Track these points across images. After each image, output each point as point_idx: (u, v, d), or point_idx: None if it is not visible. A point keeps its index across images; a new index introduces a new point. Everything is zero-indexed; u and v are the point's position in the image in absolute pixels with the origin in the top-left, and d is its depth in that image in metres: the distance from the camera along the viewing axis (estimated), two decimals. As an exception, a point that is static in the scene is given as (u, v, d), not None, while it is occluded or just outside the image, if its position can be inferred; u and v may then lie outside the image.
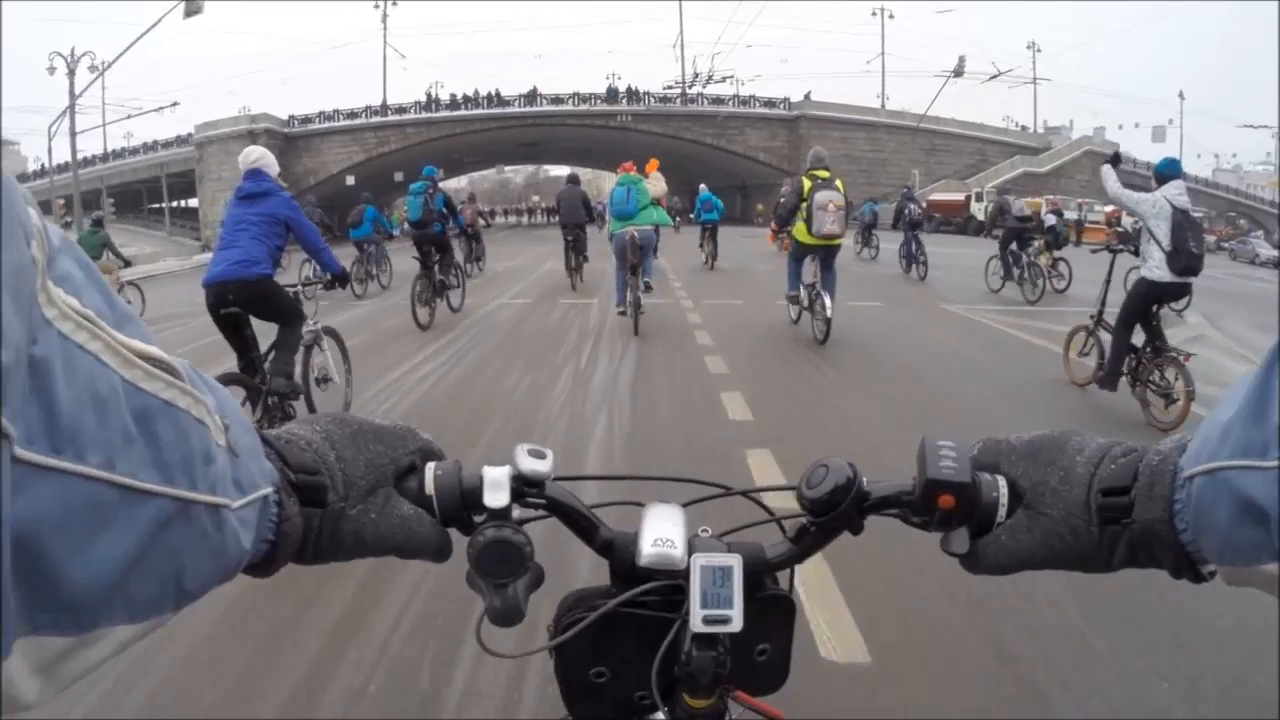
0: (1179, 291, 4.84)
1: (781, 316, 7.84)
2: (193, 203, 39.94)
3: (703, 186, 16.18)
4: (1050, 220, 11.02)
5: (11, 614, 0.25)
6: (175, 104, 41.10)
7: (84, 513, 0.28)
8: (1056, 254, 10.73)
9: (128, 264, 11.61)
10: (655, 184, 7.65)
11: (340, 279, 4.37)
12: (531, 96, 40.61)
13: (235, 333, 3.85)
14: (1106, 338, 5.03)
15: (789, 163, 39.45)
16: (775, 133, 40.50)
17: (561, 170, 21.08)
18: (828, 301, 6.59)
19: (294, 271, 9.10)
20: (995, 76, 42.06)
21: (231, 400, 0.40)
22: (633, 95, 40.99)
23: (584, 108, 40.68)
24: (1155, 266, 4.61)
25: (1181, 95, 48.53)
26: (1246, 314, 9.80)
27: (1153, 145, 43.04)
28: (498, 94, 40.79)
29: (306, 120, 38.70)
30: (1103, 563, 0.48)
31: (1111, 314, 4.95)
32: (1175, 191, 4.64)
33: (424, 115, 39.43)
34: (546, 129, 41.30)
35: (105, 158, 42.14)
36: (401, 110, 39.74)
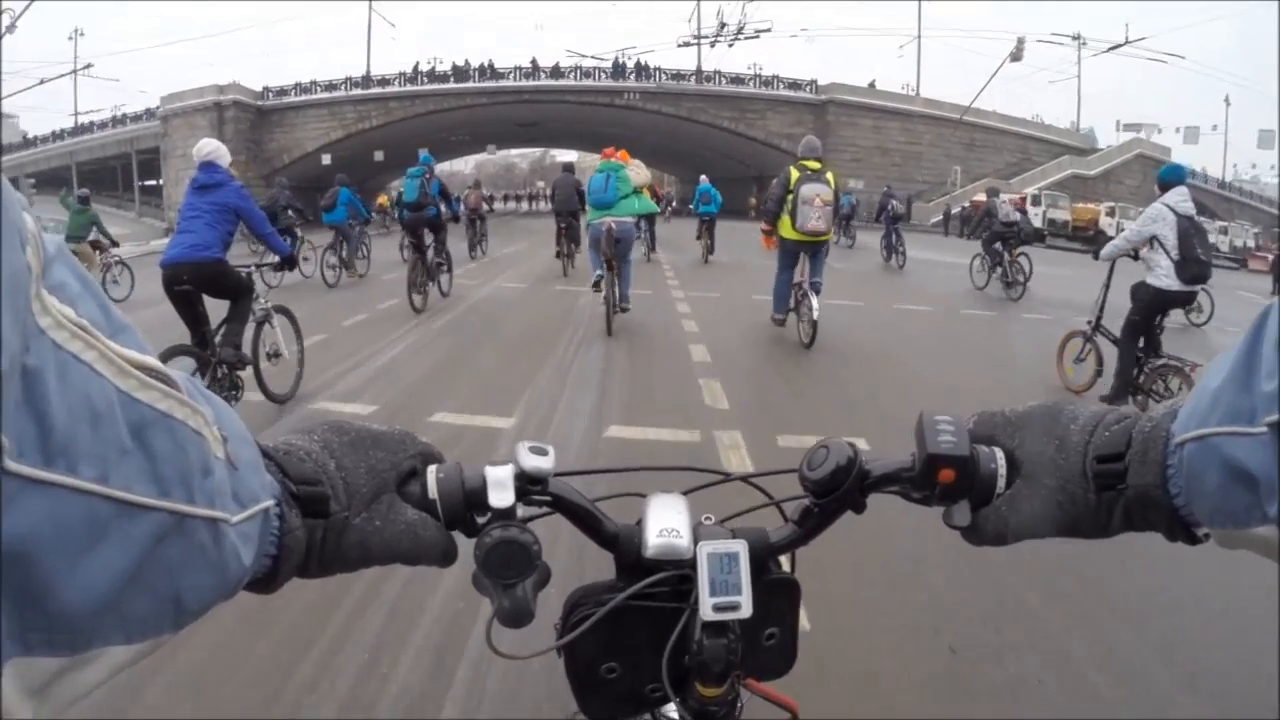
0: (1186, 300, 5.27)
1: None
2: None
3: (703, 178, 17.12)
4: (1015, 217, 12.51)
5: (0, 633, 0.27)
6: (89, 65, 41.79)
7: (77, 527, 0.29)
8: (1019, 250, 12.26)
9: (115, 244, 12.26)
10: (638, 172, 7.98)
11: (288, 261, 5.32)
12: (530, 70, 40.91)
13: (188, 309, 4.69)
14: (1104, 343, 5.45)
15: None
16: (800, 118, 40.53)
17: (568, 155, 22.22)
18: (814, 303, 6.93)
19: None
20: (1116, 47, 39.31)
21: (230, 411, 0.43)
22: (642, 71, 41.15)
23: (586, 83, 41.00)
24: (1163, 275, 4.98)
25: (1228, 101, 49.95)
26: None
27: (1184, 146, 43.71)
28: (491, 66, 41.09)
29: (282, 93, 39.29)
30: (1100, 528, 0.54)
31: (1111, 322, 5.33)
32: (1179, 198, 5.02)
33: (409, 89, 39.98)
34: (545, 107, 41.68)
35: (75, 131, 43.16)
36: (385, 82, 40.21)
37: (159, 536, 0.33)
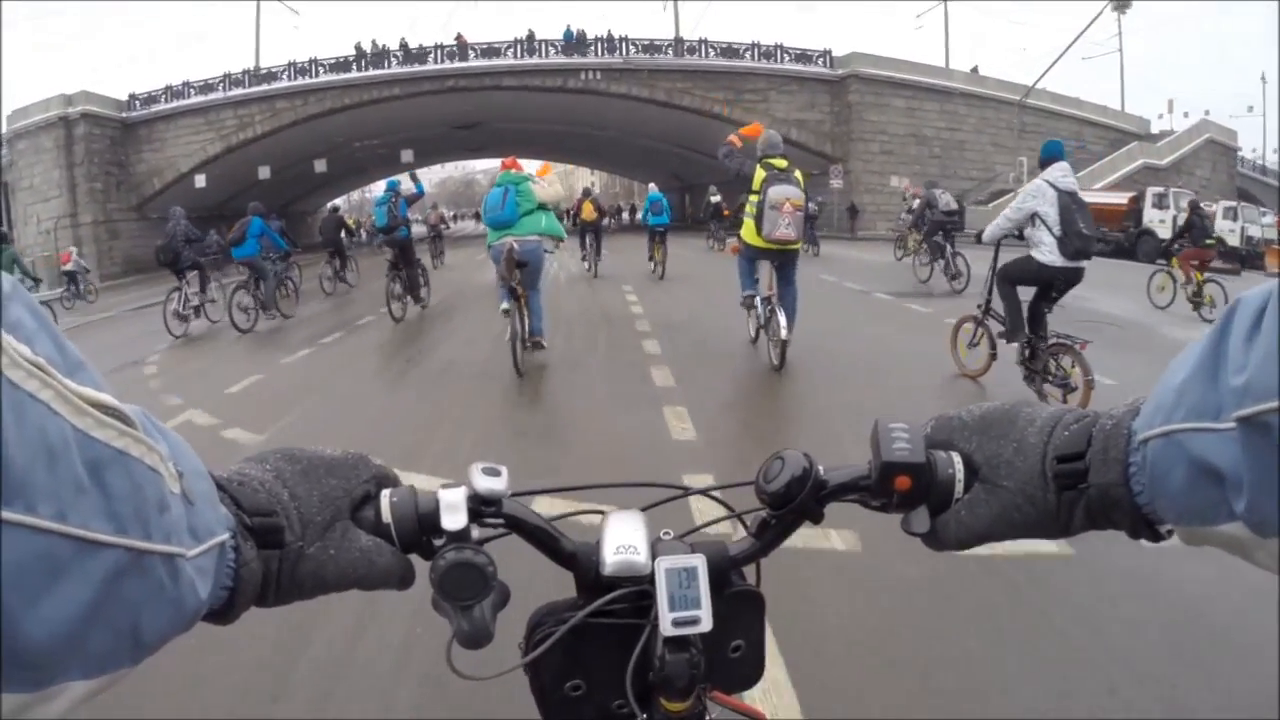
0: (1072, 278, 6.78)
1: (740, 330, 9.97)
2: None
3: (652, 186, 20.17)
4: (954, 206, 16.32)
5: None
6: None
7: (35, 566, 0.39)
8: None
9: (37, 282, 14.62)
10: (546, 186, 9.02)
11: None
12: (455, 50, 40.57)
13: None
14: (995, 327, 7.40)
15: (832, 143, 40.15)
16: (813, 98, 40.86)
17: (532, 164, 24.58)
18: (782, 321, 8.01)
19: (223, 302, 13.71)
20: None
21: (185, 446, 0.58)
22: (604, 44, 41.13)
23: (531, 62, 40.45)
24: (1048, 251, 6.60)
25: (1264, 78, 55.84)
26: None
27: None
28: (404, 46, 41.13)
29: (151, 100, 39.78)
30: (1061, 529, 0.72)
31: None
32: (1059, 174, 6.67)
33: (301, 82, 40.04)
34: (481, 98, 41.42)
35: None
36: (271, 77, 40.17)
37: (117, 573, 0.44)
